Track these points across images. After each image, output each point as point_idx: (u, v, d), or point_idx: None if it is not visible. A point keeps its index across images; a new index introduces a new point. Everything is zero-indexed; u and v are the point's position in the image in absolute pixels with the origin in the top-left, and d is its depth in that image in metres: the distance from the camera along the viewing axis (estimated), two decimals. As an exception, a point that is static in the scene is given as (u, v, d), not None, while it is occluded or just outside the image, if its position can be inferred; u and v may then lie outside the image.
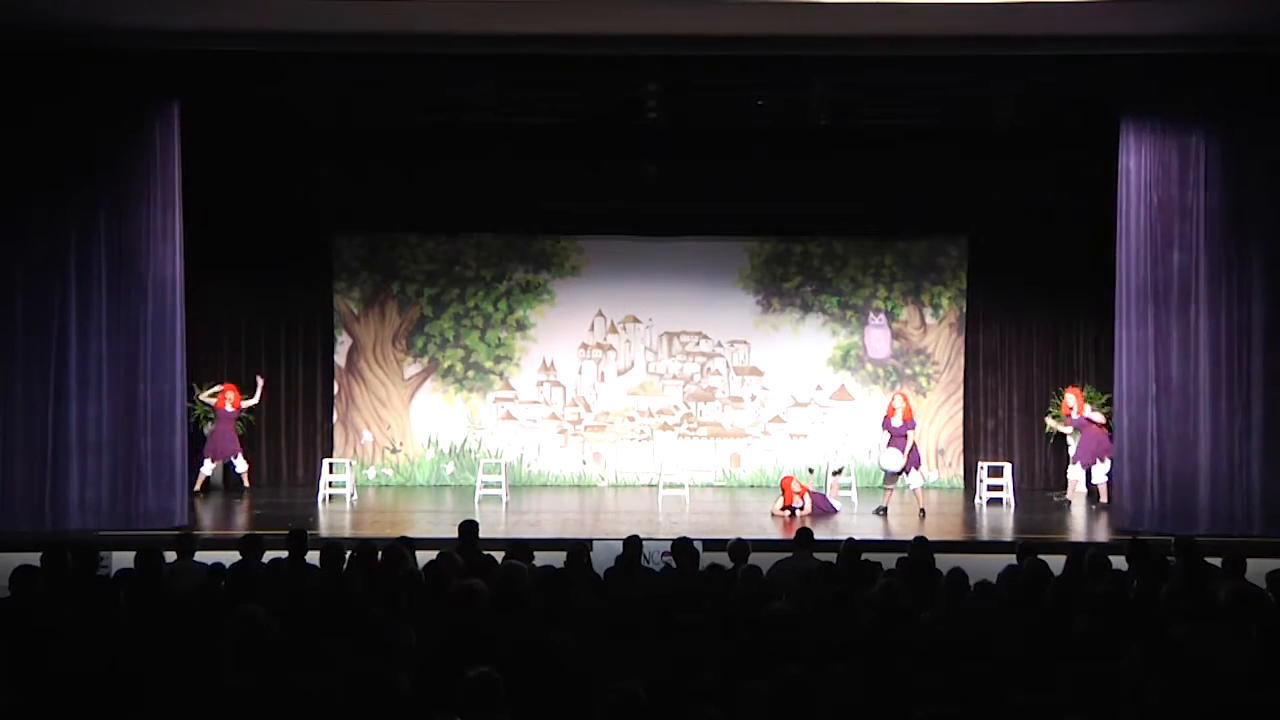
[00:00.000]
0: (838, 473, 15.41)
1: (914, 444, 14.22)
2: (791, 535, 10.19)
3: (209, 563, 8.31)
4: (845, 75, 13.17)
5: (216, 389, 15.73)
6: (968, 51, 12.22)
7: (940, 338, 17.03)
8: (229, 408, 15.51)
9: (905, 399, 14.57)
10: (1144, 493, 12.59)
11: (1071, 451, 15.93)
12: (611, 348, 17.09)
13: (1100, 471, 15.14)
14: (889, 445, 14.21)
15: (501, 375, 17.05)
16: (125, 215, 12.44)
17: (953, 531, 13.45)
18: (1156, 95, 12.57)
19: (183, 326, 12.77)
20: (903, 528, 13.23)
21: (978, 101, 14.23)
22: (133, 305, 12.46)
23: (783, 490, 14.14)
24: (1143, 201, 12.62)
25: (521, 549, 8.40)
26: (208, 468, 15.52)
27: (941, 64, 12.69)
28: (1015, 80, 13.24)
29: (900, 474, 14.21)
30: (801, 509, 13.95)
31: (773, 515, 13.97)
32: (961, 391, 16.94)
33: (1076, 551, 8.41)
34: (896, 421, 14.21)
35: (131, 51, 12.17)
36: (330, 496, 15.02)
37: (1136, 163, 12.64)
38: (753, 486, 16.79)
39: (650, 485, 16.46)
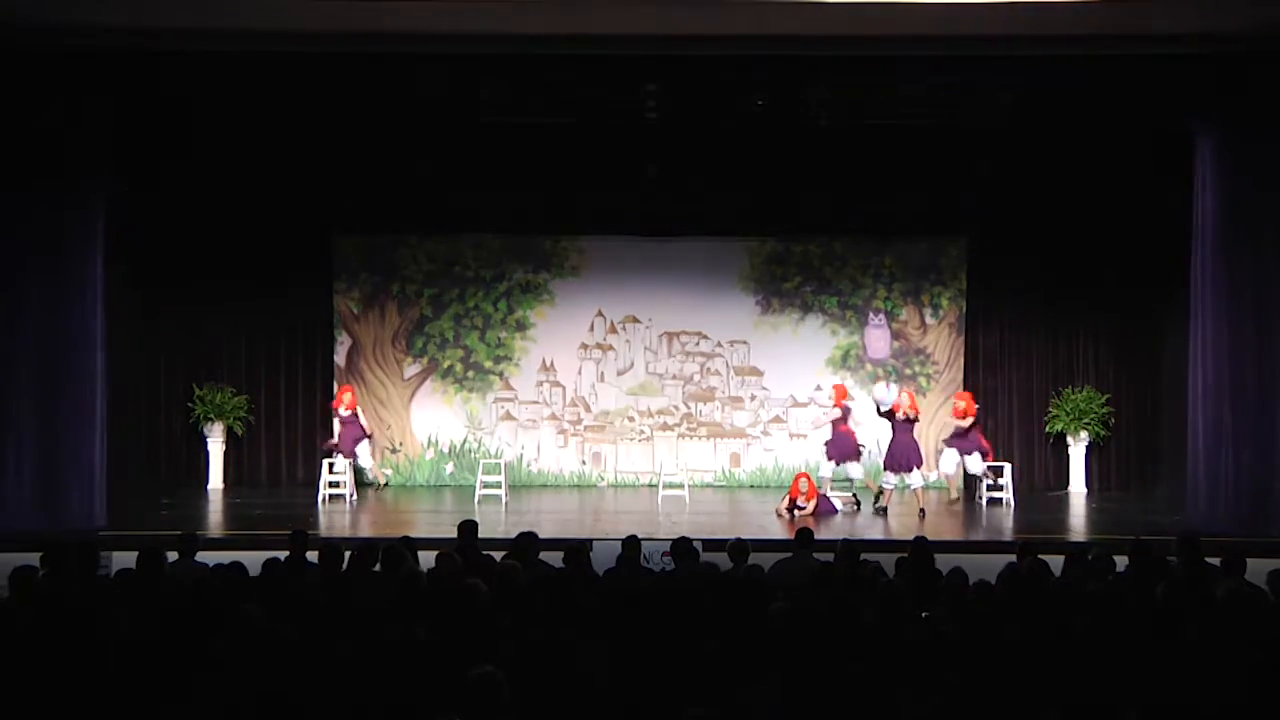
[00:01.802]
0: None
1: (916, 442, 14.25)
2: (792, 535, 10.20)
3: (210, 563, 8.33)
4: (846, 75, 13.17)
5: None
6: (984, 52, 12.22)
7: (940, 338, 17.02)
8: (344, 410, 15.45)
9: (911, 395, 14.59)
10: (1219, 495, 12.56)
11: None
12: (611, 348, 17.08)
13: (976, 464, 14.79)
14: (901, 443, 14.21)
15: (501, 375, 17.04)
16: (50, 215, 12.33)
17: (953, 531, 13.46)
18: (1230, 97, 12.42)
19: (104, 326, 12.72)
20: (903, 528, 13.24)
21: (985, 101, 14.21)
22: (57, 305, 12.40)
23: (801, 486, 14.05)
24: (1218, 204, 12.56)
25: (524, 547, 8.40)
26: (341, 466, 15.31)
27: (944, 65, 12.68)
28: (1047, 84, 13.22)
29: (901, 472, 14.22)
30: (803, 509, 13.95)
31: (778, 514, 13.95)
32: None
33: (1079, 551, 8.42)
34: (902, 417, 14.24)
35: (50, 46, 11.99)
36: (330, 496, 15.01)
37: (1212, 165, 12.58)
38: (752, 486, 16.78)
39: (650, 485, 16.45)
